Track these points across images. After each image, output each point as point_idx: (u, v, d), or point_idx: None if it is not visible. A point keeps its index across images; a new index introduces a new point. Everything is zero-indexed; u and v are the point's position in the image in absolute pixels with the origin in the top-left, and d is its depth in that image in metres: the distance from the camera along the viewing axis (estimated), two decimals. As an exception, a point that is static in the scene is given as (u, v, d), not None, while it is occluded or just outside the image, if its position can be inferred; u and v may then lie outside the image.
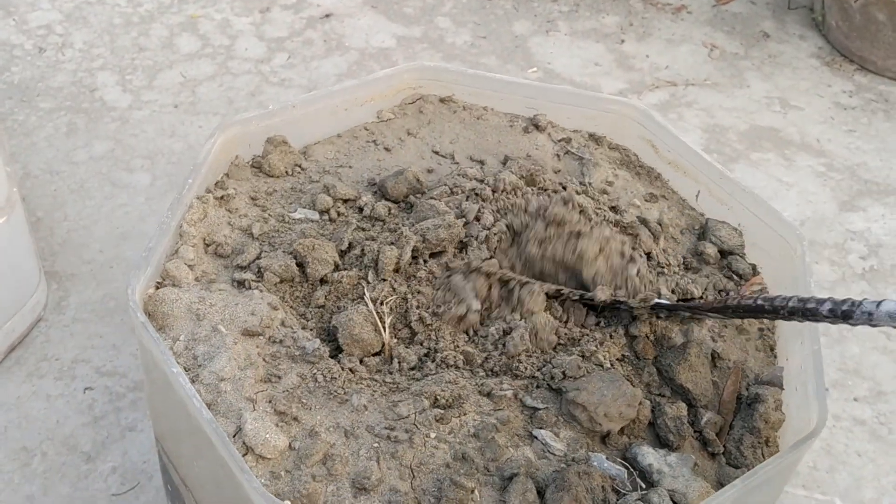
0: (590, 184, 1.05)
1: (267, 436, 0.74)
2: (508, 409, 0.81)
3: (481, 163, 1.07)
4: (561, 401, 0.82)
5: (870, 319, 0.67)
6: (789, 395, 0.86)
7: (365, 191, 1.02)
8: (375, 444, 0.76)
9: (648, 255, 0.97)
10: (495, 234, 0.93)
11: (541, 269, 0.92)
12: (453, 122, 1.13)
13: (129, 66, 1.96)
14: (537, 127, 1.12)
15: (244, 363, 0.80)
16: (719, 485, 0.80)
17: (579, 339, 0.88)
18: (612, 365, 0.85)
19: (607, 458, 0.78)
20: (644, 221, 1.01)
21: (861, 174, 1.83)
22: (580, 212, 0.95)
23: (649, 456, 0.79)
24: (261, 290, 0.88)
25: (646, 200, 1.06)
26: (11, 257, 1.31)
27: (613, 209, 1.02)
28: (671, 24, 2.24)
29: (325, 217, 0.98)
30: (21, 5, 2.09)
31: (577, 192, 1.02)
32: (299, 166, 1.05)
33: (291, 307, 0.90)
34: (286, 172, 1.04)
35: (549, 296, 0.89)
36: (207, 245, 0.93)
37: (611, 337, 0.87)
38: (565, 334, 0.88)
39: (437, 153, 1.09)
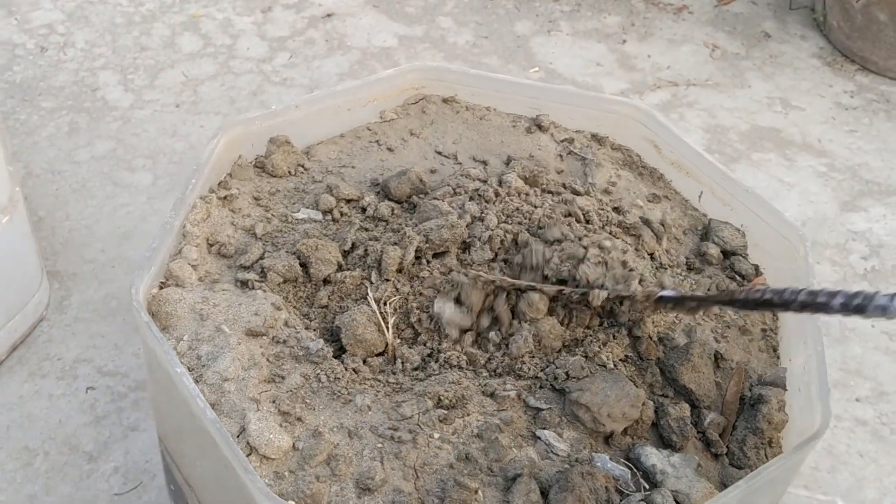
0: (592, 184, 1.05)
1: (271, 436, 0.74)
2: (512, 410, 0.81)
3: (484, 163, 1.07)
4: (564, 401, 0.82)
5: (884, 313, 0.66)
6: (792, 395, 0.86)
7: (368, 191, 1.02)
8: (379, 445, 0.76)
9: (651, 256, 0.97)
10: (498, 236, 0.93)
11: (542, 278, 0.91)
12: (456, 122, 1.13)
13: (130, 66, 1.96)
14: (540, 127, 1.12)
15: (248, 363, 0.80)
16: (722, 486, 0.80)
17: (583, 340, 0.88)
18: (615, 365, 0.85)
19: (611, 459, 0.78)
20: (647, 222, 1.01)
21: (862, 174, 1.83)
22: (579, 220, 0.95)
23: (653, 456, 0.79)
24: (264, 291, 0.88)
25: (648, 201, 1.06)
26: (14, 256, 1.31)
27: (616, 210, 1.02)
28: (673, 24, 2.24)
29: (329, 217, 0.98)
30: (23, 5, 2.09)
31: (579, 194, 1.02)
32: (302, 166, 1.05)
33: (295, 307, 0.90)
34: (289, 172, 1.04)
35: (551, 299, 0.89)
36: (211, 245, 0.93)
37: (614, 337, 0.87)
38: (569, 335, 0.88)
39: (439, 153, 1.09)
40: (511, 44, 2.13)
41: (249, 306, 0.85)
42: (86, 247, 1.55)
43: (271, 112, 1.05)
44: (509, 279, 0.88)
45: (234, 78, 1.95)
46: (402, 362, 0.85)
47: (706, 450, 0.83)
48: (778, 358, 0.93)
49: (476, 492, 0.73)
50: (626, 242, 0.96)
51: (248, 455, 0.74)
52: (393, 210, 0.98)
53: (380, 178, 1.04)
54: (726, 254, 1.01)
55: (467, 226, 0.94)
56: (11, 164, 1.28)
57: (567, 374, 0.83)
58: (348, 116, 1.12)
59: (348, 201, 1.00)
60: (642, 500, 0.75)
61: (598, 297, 0.86)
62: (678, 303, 0.85)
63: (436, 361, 0.86)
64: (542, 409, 0.81)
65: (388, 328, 0.86)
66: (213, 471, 0.80)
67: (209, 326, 0.83)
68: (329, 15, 2.17)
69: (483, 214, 0.95)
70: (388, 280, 0.90)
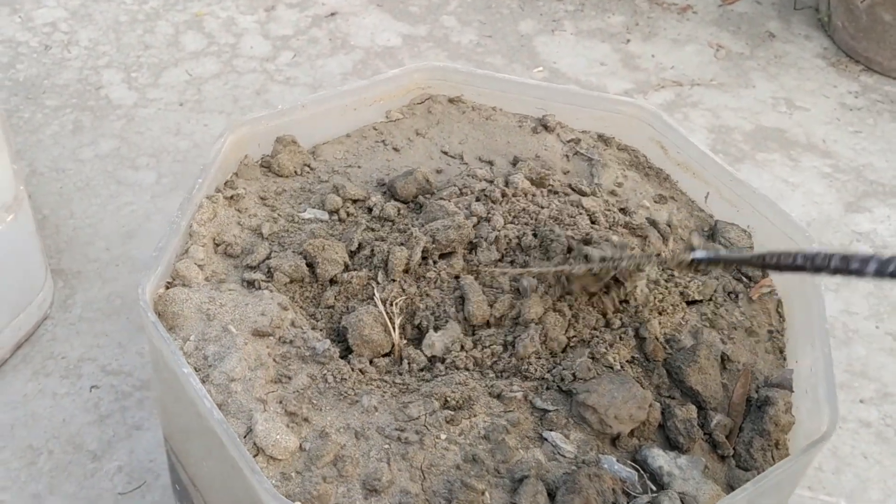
0: (599, 185, 1.05)
1: (277, 437, 0.74)
2: (518, 411, 0.81)
3: (490, 163, 1.07)
4: (571, 403, 0.82)
5: None
6: (799, 397, 0.86)
7: (374, 191, 1.02)
8: (386, 446, 0.76)
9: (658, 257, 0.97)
10: (505, 237, 0.93)
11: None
12: (462, 122, 1.13)
13: (134, 64, 1.96)
14: (546, 128, 1.12)
15: (254, 364, 0.80)
16: (729, 488, 0.80)
17: (589, 341, 0.87)
18: (621, 367, 0.85)
19: (618, 461, 0.78)
20: (653, 223, 1.01)
21: (867, 175, 1.83)
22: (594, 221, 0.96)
23: (660, 458, 0.79)
24: (271, 291, 0.88)
25: (655, 202, 1.06)
26: (18, 255, 1.31)
27: (623, 210, 1.02)
28: (677, 23, 2.24)
29: (335, 217, 0.98)
30: (27, 3, 2.09)
31: (586, 194, 1.02)
32: (308, 166, 1.05)
33: (301, 307, 0.89)
34: (295, 172, 1.04)
35: (551, 283, 0.89)
36: (217, 245, 0.93)
37: (620, 339, 0.87)
38: (574, 336, 0.88)
39: (445, 153, 1.09)
40: (515, 43, 2.13)
41: (256, 306, 0.85)
42: (90, 245, 1.54)
43: (277, 112, 1.05)
44: (536, 268, 0.89)
45: (237, 77, 1.95)
46: (409, 363, 0.85)
47: (712, 451, 0.83)
48: (784, 359, 0.92)
49: (483, 493, 0.73)
50: (633, 243, 0.96)
51: (254, 456, 0.74)
52: (399, 210, 0.98)
53: (386, 178, 1.03)
54: (732, 255, 1.01)
55: (474, 226, 0.94)
56: (16, 163, 1.28)
57: (574, 375, 0.83)
58: (354, 116, 1.12)
59: (354, 201, 0.99)
60: (649, 502, 0.75)
61: (635, 263, 0.85)
62: (711, 263, 0.83)
63: (442, 362, 0.85)
64: (549, 411, 0.81)
65: (394, 329, 0.86)
66: (220, 471, 0.80)
67: (216, 326, 0.83)
68: (332, 14, 2.17)
69: (490, 215, 0.95)
70: (394, 280, 0.90)
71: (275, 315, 0.84)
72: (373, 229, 0.96)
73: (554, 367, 0.85)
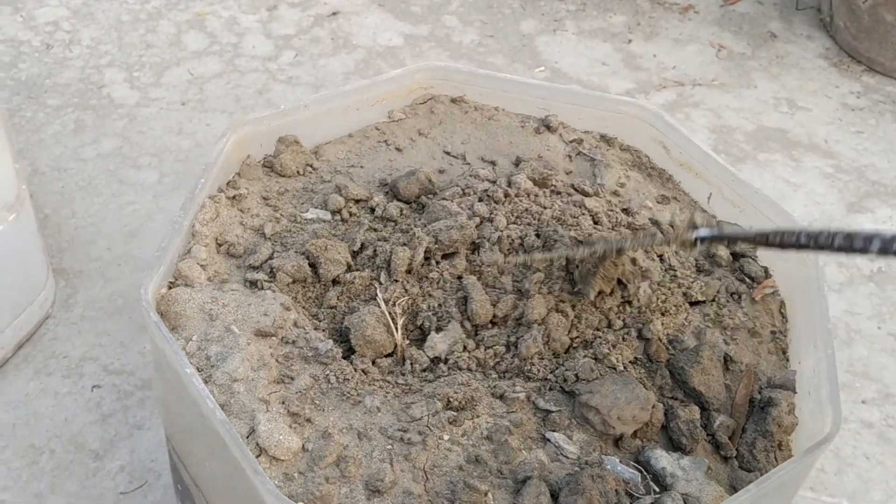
0: (601, 185, 1.05)
1: (280, 437, 0.74)
2: (521, 412, 0.81)
3: (493, 163, 1.07)
4: (574, 403, 0.82)
5: None
6: (802, 398, 0.86)
7: (377, 191, 1.02)
8: (389, 446, 0.76)
9: (661, 258, 0.97)
10: (508, 237, 0.93)
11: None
12: (464, 122, 1.13)
13: (136, 63, 1.96)
14: (549, 128, 1.12)
15: (257, 364, 0.80)
16: (732, 489, 0.80)
17: (592, 342, 0.87)
18: (624, 367, 0.85)
19: (620, 462, 0.78)
20: (656, 223, 1.01)
21: (869, 175, 1.83)
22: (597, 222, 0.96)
23: (662, 459, 0.78)
24: (273, 291, 0.88)
25: (658, 202, 1.06)
26: (20, 254, 1.31)
27: (625, 211, 1.02)
28: (678, 23, 2.24)
29: (337, 217, 0.98)
30: (28, 2, 2.09)
31: (588, 195, 1.02)
32: (311, 166, 1.05)
33: (304, 308, 0.89)
34: (298, 172, 1.04)
35: (549, 274, 0.89)
36: (220, 245, 0.93)
37: (623, 339, 0.87)
38: (577, 337, 0.88)
39: (448, 153, 1.09)
40: (516, 43, 2.12)
41: (258, 306, 0.85)
42: (92, 244, 1.54)
43: (280, 111, 1.05)
44: (539, 255, 0.89)
45: (239, 76, 1.95)
46: (411, 363, 0.85)
47: (715, 452, 0.82)
48: (787, 360, 0.92)
49: (486, 494, 0.73)
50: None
51: (257, 456, 0.73)
52: (402, 210, 0.98)
53: (388, 178, 1.03)
54: (735, 256, 1.01)
55: (476, 227, 0.94)
56: (18, 162, 1.28)
57: (576, 376, 0.83)
58: (357, 116, 1.11)
59: (357, 201, 0.99)
60: (652, 503, 0.74)
61: (637, 243, 0.85)
62: (714, 240, 0.82)
63: (444, 362, 0.85)
64: (552, 412, 0.81)
65: (397, 329, 0.86)
66: (222, 471, 0.80)
67: (218, 327, 0.83)
68: (335, 13, 2.17)
69: (492, 215, 0.95)
70: (397, 281, 0.90)
71: (277, 315, 0.84)
72: (375, 229, 0.96)
73: (557, 368, 0.85)
